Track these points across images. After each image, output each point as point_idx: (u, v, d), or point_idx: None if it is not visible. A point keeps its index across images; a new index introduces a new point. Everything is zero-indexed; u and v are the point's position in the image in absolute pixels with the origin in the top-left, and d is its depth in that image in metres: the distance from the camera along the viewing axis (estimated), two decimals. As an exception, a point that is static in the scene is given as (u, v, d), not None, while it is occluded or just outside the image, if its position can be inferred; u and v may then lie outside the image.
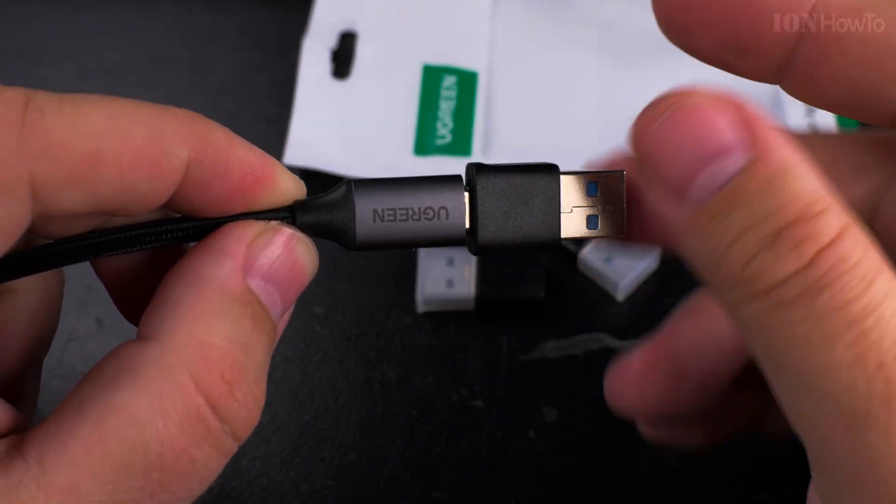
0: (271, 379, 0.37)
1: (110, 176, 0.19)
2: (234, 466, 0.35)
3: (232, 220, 0.22)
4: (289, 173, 0.22)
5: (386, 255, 0.40)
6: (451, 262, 0.38)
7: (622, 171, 0.24)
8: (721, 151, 0.20)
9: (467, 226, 0.23)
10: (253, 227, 0.21)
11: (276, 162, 0.22)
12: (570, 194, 0.24)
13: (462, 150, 0.42)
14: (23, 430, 0.20)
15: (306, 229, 0.23)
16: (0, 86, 0.19)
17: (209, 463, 0.20)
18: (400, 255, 0.39)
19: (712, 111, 0.20)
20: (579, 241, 0.23)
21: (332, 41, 0.44)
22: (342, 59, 0.44)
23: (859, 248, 0.19)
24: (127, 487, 0.19)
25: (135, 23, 0.46)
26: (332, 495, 0.34)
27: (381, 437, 0.35)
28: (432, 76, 0.44)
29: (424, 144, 0.42)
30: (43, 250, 0.22)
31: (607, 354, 0.37)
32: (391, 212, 0.23)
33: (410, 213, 0.23)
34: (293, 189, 0.22)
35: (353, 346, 0.37)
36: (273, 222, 0.22)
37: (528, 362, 0.37)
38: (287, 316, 0.23)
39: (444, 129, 0.42)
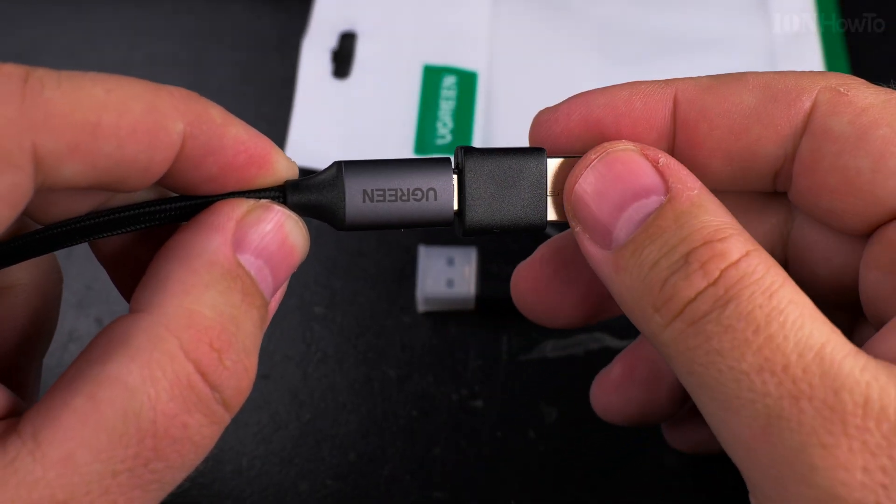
0: (271, 378, 0.37)
1: (109, 146, 0.20)
2: (235, 466, 0.35)
3: (224, 199, 0.22)
4: (283, 154, 0.23)
5: (386, 254, 0.40)
6: (451, 262, 0.38)
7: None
8: (639, 194, 0.22)
9: (455, 207, 0.24)
10: (243, 204, 0.22)
11: (271, 142, 0.22)
12: (558, 178, 0.24)
13: (462, 150, 0.42)
14: (20, 414, 0.20)
15: (297, 209, 0.23)
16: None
17: (202, 430, 0.20)
18: (400, 254, 0.39)
19: (633, 159, 0.23)
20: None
21: (332, 41, 0.45)
22: (342, 59, 0.44)
23: (763, 266, 0.21)
24: (122, 456, 0.19)
25: (135, 22, 0.46)
26: (331, 495, 0.34)
27: (381, 436, 0.35)
28: (432, 76, 0.44)
29: (424, 144, 0.42)
30: (39, 234, 0.22)
31: (607, 354, 0.37)
32: (380, 192, 0.23)
33: (399, 193, 0.23)
34: (287, 170, 0.23)
35: (353, 345, 0.37)
36: (264, 200, 0.22)
37: (528, 362, 0.37)
38: (280, 294, 0.23)
39: (444, 128, 0.42)
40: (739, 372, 0.20)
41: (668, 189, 0.22)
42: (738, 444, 0.20)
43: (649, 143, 0.24)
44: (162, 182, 0.22)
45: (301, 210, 0.23)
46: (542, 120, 0.25)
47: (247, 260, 0.21)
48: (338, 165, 0.23)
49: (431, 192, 0.23)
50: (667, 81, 0.25)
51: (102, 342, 0.20)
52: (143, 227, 0.22)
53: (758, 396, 0.20)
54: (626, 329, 0.38)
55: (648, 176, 0.22)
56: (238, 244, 0.21)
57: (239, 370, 0.21)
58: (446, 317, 0.38)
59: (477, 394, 0.36)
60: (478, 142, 0.42)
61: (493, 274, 0.38)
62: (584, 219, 0.23)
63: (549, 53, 0.45)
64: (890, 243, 0.23)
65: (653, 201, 0.22)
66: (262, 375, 0.37)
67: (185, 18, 0.46)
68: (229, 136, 0.21)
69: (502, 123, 0.43)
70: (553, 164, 0.24)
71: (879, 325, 0.23)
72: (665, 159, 0.23)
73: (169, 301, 0.20)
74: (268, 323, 0.22)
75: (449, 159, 0.24)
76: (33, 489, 0.18)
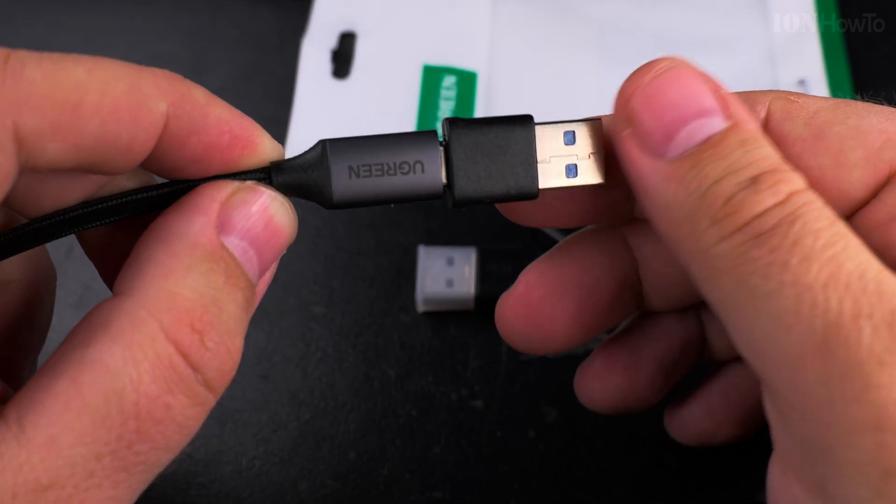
0: (270, 378, 0.37)
1: (92, 125, 0.20)
2: (234, 466, 0.35)
3: (208, 182, 0.22)
4: (268, 135, 0.23)
5: (385, 254, 0.40)
6: (450, 262, 0.38)
7: (599, 117, 0.24)
8: (702, 113, 0.22)
9: (444, 180, 0.23)
10: (227, 186, 0.22)
11: (255, 123, 0.22)
12: (547, 144, 0.24)
13: (462, 150, 0.42)
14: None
15: (283, 189, 0.23)
16: None
17: (185, 411, 0.20)
18: (399, 254, 0.39)
19: (696, 78, 0.23)
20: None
21: (331, 41, 0.45)
22: (342, 59, 0.44)
23: (821, 201, 0.21)
24: (106, 438, 0.19)
25: (135, 22, 0.46)
26: (331, 495, 0.34)
27: (381, 436, 0.35)
28: (432, 76, 0.44)
29: (424, 144, 0.42)
30: (26, 227, 0.22)
31: (607, 354, 0.37)
32: (367, 167, 0.23)
33: (386, 168, 0.23)
34: (272, 151, 0.23)
35: (352, 345, 0.37)
36: (249, 182, 0.22)
37: (528, 362, 0.37)
38: (268, 277, 0.23)
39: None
40: (804, 285, 0.20)
41: (731, 115, 0.22)
42: (786, 362, 0.20)
43: None
44: (146, 165, 0.22)
45: (288, 190, 0.23)
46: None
47: (231, 242, 0.21)
48: (322, 144, 0.23)
49: (419, 165, 0.23)
50: None
51: (84, 326, 0.20)
52: (129, 216, 0.22)
53: (818, 312, 0.20)
54: (625, 329, 0.38)
55: (714, 99, 0.22)
56: (222, 226, 0.21)
57: (221, 352, 0.21)
58: (446, 317, 0.38)
59: (477, 394, 0.36)
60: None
61: (493, 274, 0.38)
62: (641, 121, 0.23)
63: (549, 53, 0.45)
64: (859, 231, 0.23)
65: (717, 122, 0.22)
66: (261, 375, 0.37)
67: (185, 18, 0.46)
68: (213, 116, 0.22)
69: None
70: (542, 130, 0.24)
71: None
72: (727, 90, 0.23)
73: (150, 283, 0.20)
74: (255, 306, 0.22)
75: (435, 132, 0.23)
76: (18, 473, 0.18)
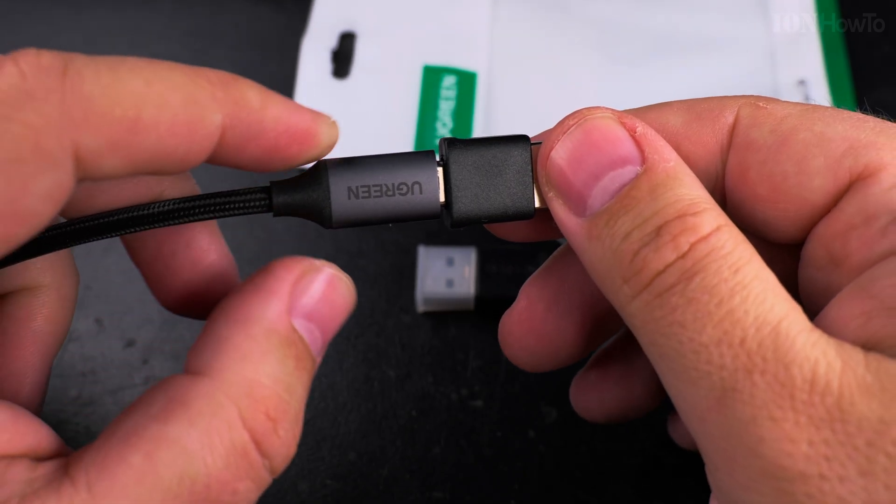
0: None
1: (148, 142, 0.20)
2: (234, 466, 0.35)
3: (279, 262, 0.22)
4: (326, 123, 0.23)
5: (385, 254, 0.40)
6: (450, 262, 0.38)
7: None
8: (614, 164, 0.22)
9: (442, 200, 0.24)
10: (297, 266, 0.22)
11: (312, 114, 0.22)
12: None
13: (462, 150, 0.42)
14: (64, 455, 0.20)
15: (283, 209, 0.23)
16: (34, 50, 0.19)
17: (248, 495, 0.21)
18: (399, 255, 0.39)
19: (608, 128, 0.23)
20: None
21: (331, 41, 0.45)
22: (342, 59, 0.44)
23: (732, 241, 0.21)
24: None
25: (135, 22, 0.46)
26: (331, 495, 0.34)
27: (381, 436, 0.35)
28: (432, 76, 0.44)
29: (424, 144, 0.42)
30: (73, 224, 0.22)
31: (607, 354, 0.37)
32: (365, 188, 0.23)
33: (385, 189, 0.23)
34: (329, 139, 0.23)
35: (352, 345, 0.37)
36: (317, 262, 0.22)
37: (528, 362, 0.37)
38: (324, 349, 0.23)
39: (444, 128, 0.42)
40: (699, 344, 0.20)
41: (644, 159, 0.22)
42: (694, 415, 0.21)
43: None
44: (206, 162, 0.22)
45: (287, 210, 0.23)
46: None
47: (300, 324, 0.21)
48: (321, 164, 0.23)
49: (417, 186, 0.23)
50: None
51: (160, 400, 0.20)
52: (173, 224, 0.22)
53: (714, 369, 0.20)
54: (625, 329, 0.38)
55: (625, 145, 0.22)
56: (292, 309, 0.21)
57: (290, 439, 0.21)
58: (446, 317, 0.38)
59: (477, 394, 0.36)
60: (478, 142, 0.42)
61: (493, 274, 0.38)
62: (558, 185, 0.23)
63: (549, 53, 0.45)
64: (821, 240, 0.23)
65: (628, 171, 0.22)
66: (262, 375, 0.37)
67: (184, 18, 0.46)
68: (269, 119, 0.21)
69: (502, 123, 0.43)
70: (537, 151, 0.24)
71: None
72: (642, 128, 0.23)
73: (229, 367, 0.20)
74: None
75: (433, 152, 0.24)
76: None
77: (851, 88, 0.43)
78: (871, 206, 0.23)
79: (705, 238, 0.21)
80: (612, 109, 0.24)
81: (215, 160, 0.21)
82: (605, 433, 0.35)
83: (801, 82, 0.43)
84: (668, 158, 0.22)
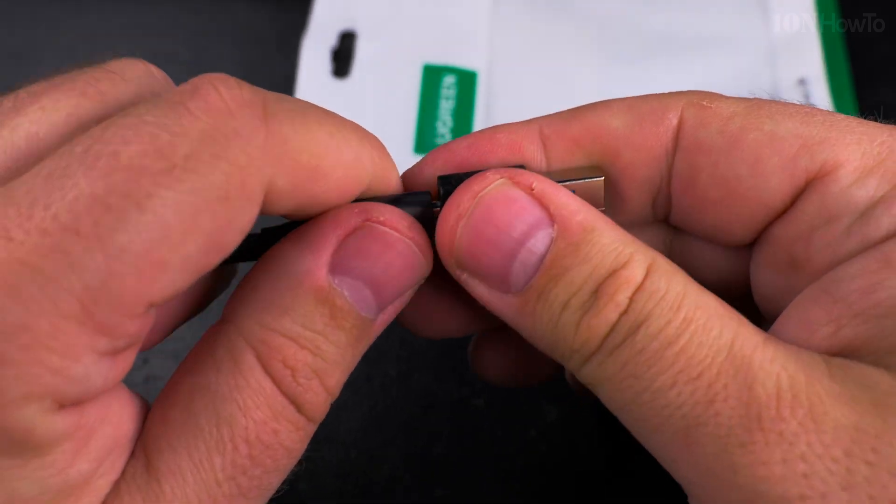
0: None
1: (318, 189, 0.20)
2: (235, 465, 0.35)
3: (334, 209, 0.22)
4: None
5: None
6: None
7: (601, 177, 0.24)
8: (525, 237, 0.21)
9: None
10: (347, 221, 0.22)
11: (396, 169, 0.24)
12: None
13: (462, 150, 0.42)
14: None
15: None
16: (233, 81, 0.19)
17: (290, 435, 0.21)
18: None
19: (508, 196, 0.22)
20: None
21: (332, 41, 0.45)
22: (342, 58, 0.44)
23: (665, 279, 0.21)
24: (220, 464, 0.20)
25: (135, 21, 0.46)
26: (332, 494, 0.34)
27: (383, 435, 0.35)
28: (432, 76, 0.44)
29: (424, 143, 0.42)
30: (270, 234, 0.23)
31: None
32: None
33: None
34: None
35: (353, 344, 0.37)
36: (375, 215, 0.22)
37: (529, 361, 0.37)
38: (398, 305, 0.23)
39: (444, 128, 0.42)
40: (653, 391, 0.20)
41: (553, 218, 0.21)
42: (668, 458, 0.20)
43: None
44: None
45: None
46: (407, 175, 0.25)
47: (344, 282, 0.21)
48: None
49: None
50: (529, 120, 0.25)
51: (194, 351, 0.21)
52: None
53: (674, 410, 0.20)
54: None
55: (530, 212, 0.22)
56: (335, 266, 0.21)
57: (313, 387, 0.21)
58: (447, 316, 0.38)
59: (478, 392, 0.36)
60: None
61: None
62: (473, 269, 0.22)
63: (549, 53, 0.45)
64: (777, 241, 0.23)
65: (542, 237, 0.21)
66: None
67: (185, 17, 0.46)
68: (393, 184, 0.23)
69: (502, 122, 0.43)
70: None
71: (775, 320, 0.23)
72: (538, 183, 0.22)
73: (249, 314, 0.21)
74: (372, 338, 0.23)
75: (429, 193, 0.24)
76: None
77: (851, 88, 0.43)
78: (832, 206, 0.22)
79: (641, 287, 0.20)
80: (503, 170, 0.23)
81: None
82: (606, 431, 0.35)
83: (801, 82, 0.43)
84: (575, 210, 0.21)
